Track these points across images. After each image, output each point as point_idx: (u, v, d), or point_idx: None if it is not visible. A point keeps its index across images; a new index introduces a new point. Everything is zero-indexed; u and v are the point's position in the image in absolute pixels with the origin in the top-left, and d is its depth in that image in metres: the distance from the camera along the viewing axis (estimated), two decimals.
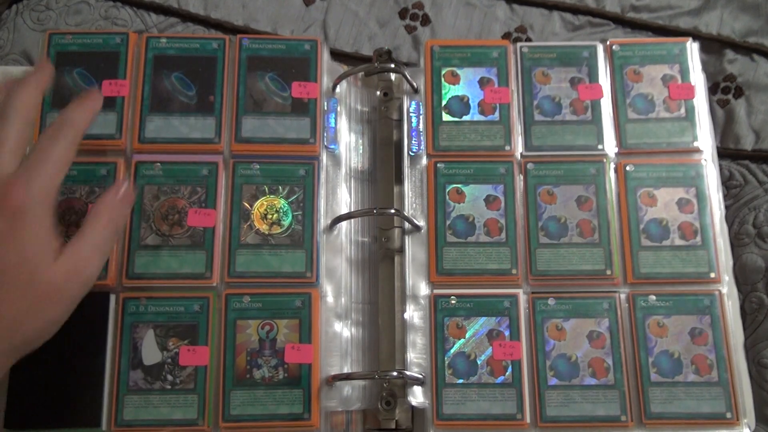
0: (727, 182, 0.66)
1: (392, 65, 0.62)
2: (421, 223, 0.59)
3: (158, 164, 0.58)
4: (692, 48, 0.63)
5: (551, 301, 0.57)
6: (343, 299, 0.58)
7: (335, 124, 0.60)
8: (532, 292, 0.57)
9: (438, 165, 0.60)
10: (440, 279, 0.57)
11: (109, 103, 0.59)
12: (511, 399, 0.55)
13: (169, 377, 0.53)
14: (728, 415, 0.54)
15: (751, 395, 0.58)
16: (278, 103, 0.60)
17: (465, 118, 0.61)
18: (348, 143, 0.62)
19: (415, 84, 0.62)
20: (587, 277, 0.57)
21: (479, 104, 0.62)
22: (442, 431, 0.54)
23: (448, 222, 0.59)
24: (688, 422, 0.54)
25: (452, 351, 0.56)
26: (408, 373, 0.55)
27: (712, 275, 0.57)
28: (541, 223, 0.59)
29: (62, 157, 0.45)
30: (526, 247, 0.58)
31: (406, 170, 0.60)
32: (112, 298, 0.55)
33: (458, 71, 0.63)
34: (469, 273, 0.57)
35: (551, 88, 0.62)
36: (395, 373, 0.54)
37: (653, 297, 0.57)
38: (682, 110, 0.61)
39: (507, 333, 0.56)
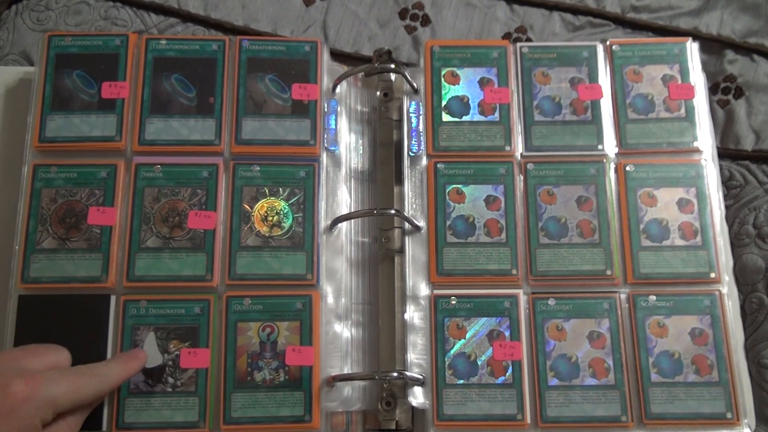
0: (727, 182, 0.66)
1: (392, 65, 0.62)
2: (422, 223, 0.59)
3: (159, 166, 0.58)
4: (692, 48, 0.63)
5: (551, 302, 0.57)
6: (343, 300, 0.58)
7: (335, 125, 0.60)
8: (533, 293, 0.57)
9: (438, 165, 0.60)
10: (440, 279, 0.57)
11: (109, 105, 0.59)
12: (512, 399, 0.55)
13: (170, 380, 0.53)
14: (728, 415, 0.54)
15: (752, 395, 0.58)
16: (278, 104, 0.60)
17: (465, 118, 0.61)
18: (348, 144, 0.62)
19: (415, 84, 0.62)
20: (587, 278, 0.58)
21: (479, 104, 0.62)
22: (443, 431, 0.54)
23: (448, 222, 0.59)
24: (689, 422, 0.54)
25: (453, 351, 0.56)
26: (408, 373, 0.55)
27: (713, 275, 0.57)
28: (541, 223, 0.59)
29: (82, 393, 0.47)
30: (527, 247, 0.58)
31: (406, 170, 0.60)
32: (113, 300, 0.55)
33: (458, 71, 0.63)
34: (469, 273, 0.57)
35: (551, 88, 0.62)
36: (395, 374, 0.54)
37: (653, 297, 0.57)
38: (682, 110, 0.61)
39: (507, 333, 0.56)
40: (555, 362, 0.56)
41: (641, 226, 0.59)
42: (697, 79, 0.62)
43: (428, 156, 0.61)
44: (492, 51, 0.63)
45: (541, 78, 0.62)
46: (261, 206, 0.58)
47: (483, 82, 0.62)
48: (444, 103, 0.62)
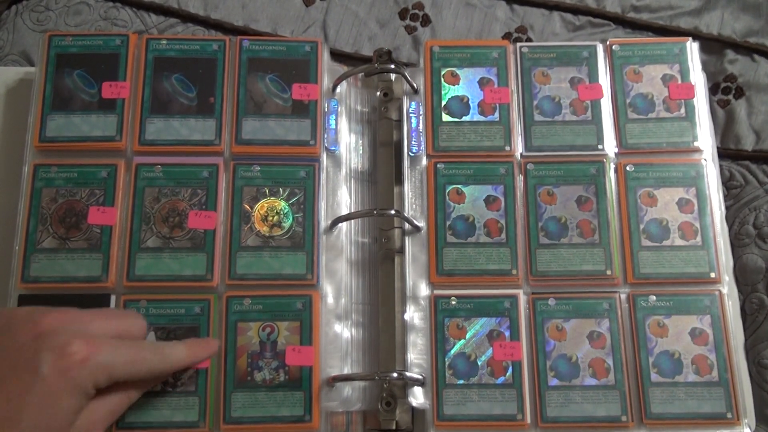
0: (727, 183, 0.66)
1: (392, 66, 0.62)
2: (421, 223, 0.59)
3: (159, 167, 0.58)
4: (692, 48, 0.63)
5: (551, 302, 0.57)
6: (343, 300, 0.58)
7: (335, 125, 0.60)
8: (533, 293, 0.57)
9: (438, 165, 0.60)
10: (440, 280, 0.57)
11: (110, 105, 0.59)
12: (512, 399, 0.55)
13: (170, 379, 0.53)
14: (729, 415, 0.54)
15: (752, 395, 0.58)
16: (279, 104, 0.60)
17: (465, 118, 0.61)
18: (348, 144, 0.62)
19: (414, 84, 0.62)
20: (587, 278, 0.57)
21: (479, 104, 0.62)
22: None
23: (448, 222, 0.59)
24: (689, 422, 0.54)
25: (453, 352, 0.56)
26: (408, 374, 0.55)
27: (713, 275, 0.57)
28: (541, 223, 0.59)
29: (139, 367, 0.47)
30: (527, 247, 0.58)
31: (406, 171, 0.60)
32: (113, 300, 0.55)
33: (458, 71, 0.63)
34: (469, 273, 0.57)
35: (551, 88, 0.62)
36: (395, 374, 0.54)
37: (653, 297, 0.57)
38: (682, 110, 0.61)
39: (507, 333, 0.56)
40: (555, 362, 0.56)
41: (641, 226, 0.59)
42: (698, 79, 0.62)
43: (428, 156, 0.61)
44: (492, 51, 0.63)
45: (541, 78, 0.62)
46: (261, 206, 0.58)
47: (483, 82, 0.62)
48: (444, 103, 0.62)
